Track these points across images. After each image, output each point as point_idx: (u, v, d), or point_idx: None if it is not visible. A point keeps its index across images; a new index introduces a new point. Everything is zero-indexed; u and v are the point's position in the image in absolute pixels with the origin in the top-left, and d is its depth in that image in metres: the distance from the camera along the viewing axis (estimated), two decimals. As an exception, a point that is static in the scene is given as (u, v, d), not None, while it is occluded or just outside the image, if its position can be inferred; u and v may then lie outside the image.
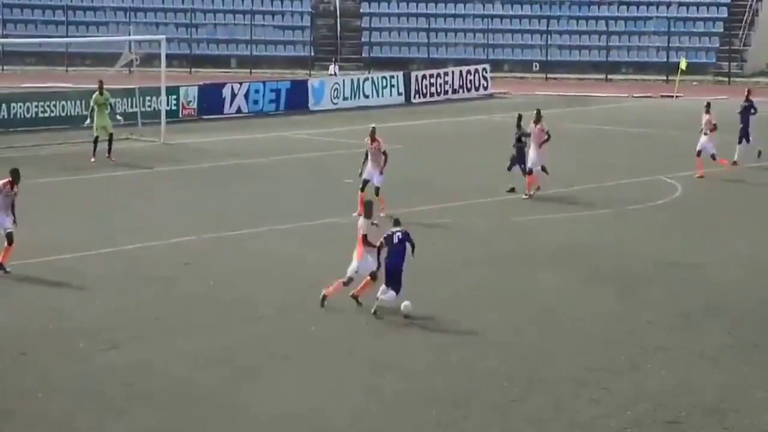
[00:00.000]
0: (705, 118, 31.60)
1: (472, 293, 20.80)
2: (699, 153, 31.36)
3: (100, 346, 17.68)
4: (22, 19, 61.85)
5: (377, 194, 26.20)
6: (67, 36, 59.20)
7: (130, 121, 38.31)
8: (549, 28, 60.34)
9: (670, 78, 53.08)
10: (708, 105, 32.06)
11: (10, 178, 21.91)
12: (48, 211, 27.00)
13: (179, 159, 35.19)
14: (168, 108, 40.88)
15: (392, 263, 19.17)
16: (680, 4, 60.57)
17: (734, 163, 32.89)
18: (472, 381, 16.49)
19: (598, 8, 61.40)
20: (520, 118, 29.33)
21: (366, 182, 26.79)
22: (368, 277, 19.54)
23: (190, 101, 44.41)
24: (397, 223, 19.74)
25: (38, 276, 21.30)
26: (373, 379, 16.62)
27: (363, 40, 62.34)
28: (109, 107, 34.38)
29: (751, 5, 59.67)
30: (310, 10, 63.33)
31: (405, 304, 19.03)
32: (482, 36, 61.15)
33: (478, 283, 21.53)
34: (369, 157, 26.80)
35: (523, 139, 28.91)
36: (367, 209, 20.10)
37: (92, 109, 34.31)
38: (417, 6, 62.80)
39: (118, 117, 35.40)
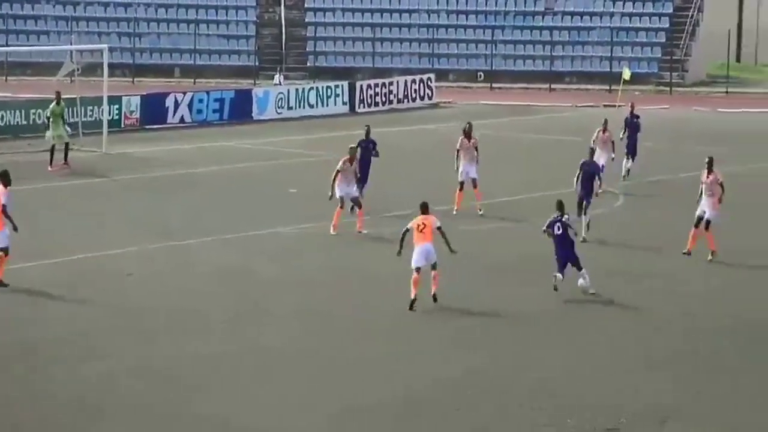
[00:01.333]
0: (603, 135, 30.62)
1: (427, 300, 20.88)
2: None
3: (42, 361, 17.56)
4: (-38, 28, 61.34)
5: (475, 186, 27.77)
6: (6, 45, 58.67)
7: (71, 132, 38.05)
8: (494, 38, 60.72)
9: (613, 88, 53.59)
10: (605, 122, 31.04)
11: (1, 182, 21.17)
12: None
13: (121, 169, 35.00)
14: (110, 118, 40.66)
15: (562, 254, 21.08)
16: (623, 15, 61.21)
17: (623, 178, 32.09)
18: (420, 390, 16.57)
19: (543, 18, 61.89)
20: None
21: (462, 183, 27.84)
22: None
23: (133, 111, 44.19)
24: (560, 206, 21.37)
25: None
26: (318, 391, 16.64)
27: (308, 49, 62.38)
28: (62, 118, 34.96)
29: (692, 16, 60.43)
30: (254, 19, 63.25)
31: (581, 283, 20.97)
32: (427, 46, 61.42)
33: (427, 289, 21.63)
34: (462, 155, 27.88)
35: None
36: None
37: (48, 119, 34.86)
38: (362, 16, 62.95)
39: (67, 128, 35.47)
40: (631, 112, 32.68)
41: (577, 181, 25.65)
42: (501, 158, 35.05)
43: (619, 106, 40.91)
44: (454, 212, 27.91)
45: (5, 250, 20.94)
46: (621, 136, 32.17)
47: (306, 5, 63.96)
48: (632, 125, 32.33)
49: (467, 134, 28.29)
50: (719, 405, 16.25)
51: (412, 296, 20.29)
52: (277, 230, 26.52)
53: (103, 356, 17.78)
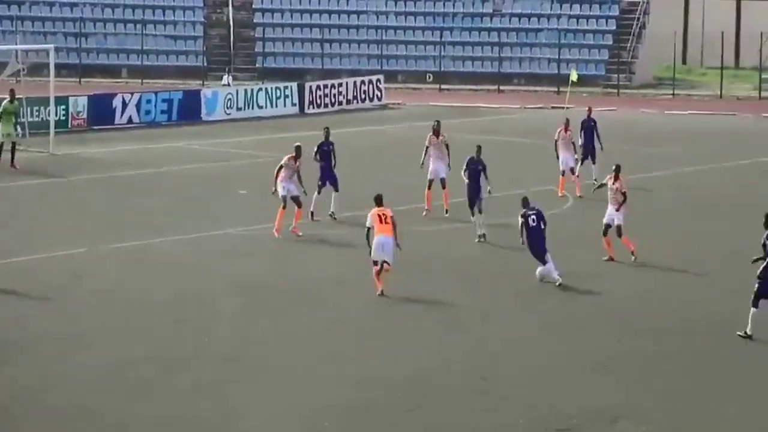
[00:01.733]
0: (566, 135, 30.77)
1: (377, 299, 20.87)
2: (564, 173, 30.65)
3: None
4: None
5: (444, 187, 27.79)
6: (-49, 45, 58.00)
7: (20, 132, 37.68)
8: (442, 39, 60.86)
9: (561, 89, 53.87)
10: (567, 121, 31.08)
11: None
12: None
13: (69, 170, 34.69)
14: (57, 118, 40.31)
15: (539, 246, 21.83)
16: (570, 17, 61.57)
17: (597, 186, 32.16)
18: (370, 392, 16.56)
19: (491, 20, 62.12)
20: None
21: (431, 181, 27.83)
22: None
23: (80, 111, 43.85)
24: (525, 202, 22.22)
25: None
26: (263, 389, 16.60)
27: (257, 50, 62.19)
28: (14, 117, 34.71)
29: (638, 19, 60.91)
30: (202, 20, 62.97)
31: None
32: (376, 47, 61.45)
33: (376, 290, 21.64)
34: (431, 152, 27.83)
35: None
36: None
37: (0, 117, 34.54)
38: (311, 17, 62.86)
39: (18, 128, 35.19)
40: (588, 116, 32.55)
41: (465, 176, 25.71)
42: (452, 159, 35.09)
43: (567, 107, 41.16)
44: (424, 213, 27.93)
45: None
46: (579, 141, 32.01)
47: (254, 6, 63.79)
48: (588, 129, 32.23)
49: (436, 131, 28.32)
50: (668, 404, 16.38)
51: (379, 290, 20.70)
52: (227, 231, 26.41)
53: (45, 360, 17.61)
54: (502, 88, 58.91)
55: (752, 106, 54.39)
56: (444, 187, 28.31)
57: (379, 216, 21.02)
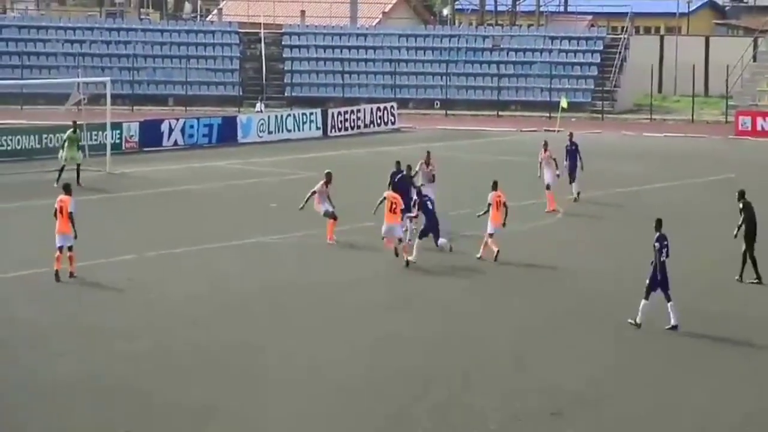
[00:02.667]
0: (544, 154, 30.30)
1: (384, 300, 20.97)
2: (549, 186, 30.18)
3: (50, 353, 17.54)
4: (-19, 63, 60.94)
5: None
6: (21, 78, 58.25)
7: (83, 156, 38.00)
8: (448, 71, 60.94)
9: (552, 115, 53.90)
10: (546, 143, 30.74)
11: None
12: (3, 232, 26.63)
13: (122, 187, 34.88)
14: (112, 141, 40.48)
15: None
16: (560, 51, 61.58)
17: (575, 199, 31.68)
18: (380, 380, 16.65)
19: (491, 54, 62.17)
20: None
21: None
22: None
23: (132, 135, 44.05)
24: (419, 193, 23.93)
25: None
26: (289, 378, 16.70)
27: (286, 81, 62.35)
28: (77, 143, 35.19)
29: (620, 52, 60.91)
30: (238, 54, 63.20)
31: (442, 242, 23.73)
32: (390, 77, 61.54)
33: (389, 291, 21.71)
34: (419, 177, 27.18)
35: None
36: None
37: (64, 143, 35.05)
38: (333, 52, 63.04)
39: (80, 153, 35.63)
40: (570, 140, 32.01)
41: (389, 187, 25.05)
42: (455, 176, 35.22)
43: (558, 131, 41.21)
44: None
45: (70, 247, 21.84)
46: (564, 163, 31.64)
47: (284, 43, 64.00)
48: (571, 152, 31.71)
49: (426, 161, 27.92)
50: (646, 386, 16.41)
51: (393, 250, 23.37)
52: (260, 239, 26.54)
53: (97, 349, 17.78)
54: (500, 113, 58.94)
55: (720, 129, 54.32)
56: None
57: (391, 203, 22.23)
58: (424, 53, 62.64)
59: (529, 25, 66.59)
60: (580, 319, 20.02)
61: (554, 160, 30.66)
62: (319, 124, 50.92)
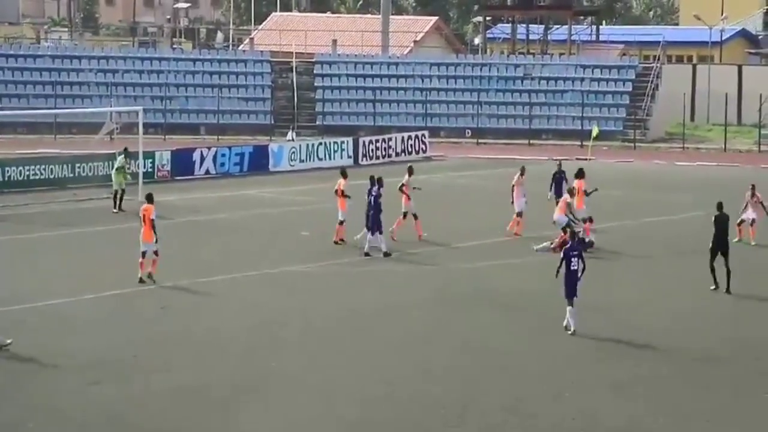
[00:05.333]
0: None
1: (418, 330, 20.97)
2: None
3: (87, 381, 17.64)
4: (15, 93, 61.51)
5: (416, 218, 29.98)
6: (55, 108, 58.91)
7: (110, 182, 38.24)
8: (479, 100, 61.05)
9: (584, 143, 53.82)
10: (522, 168, 30.92)
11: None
12: (34, 261, 26.86)
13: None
14: (145, 170, 40.79)
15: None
16: (592, 80, 61.56)
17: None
18: (417, 409, 16.64)
19: (522, 83, 62.25)
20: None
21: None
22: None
23: (164, 164, 44.36)
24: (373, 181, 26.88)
25: (32, 318, 21.21)
26: (328, 409, 16.72)
27: (317, 109, 62.67)
28: (124, 169, 36.14)
29: (652, 80, 60.81)
30: (270, 83, 63.60)
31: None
32: (421, 106, 61.72)
33: (422, 322, 21.72)
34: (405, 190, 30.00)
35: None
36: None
37: (115, 169, 36.11)
38: (364, 80, 63.32)
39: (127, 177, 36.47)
40: (559, 169, 32.02)
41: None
42: (480, 203, 35.20)
43: (590, 159, 41.13)
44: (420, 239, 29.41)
45: (156, 252, 24.07)
46: (548, 194, 31.56)
47: (315, 72, 64.37)
48: (558, 181, 31.62)
49: (410, 174, 30.91)
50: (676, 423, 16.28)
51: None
52: (292, 269, 26.63)
53: (133, 380, 17.86)
54: (532, 142, 58.90)
55: (752, 158, 54.00)
56: (416, 219, 29.97)
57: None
58: (456, 82, 62.81)
59: (561, 54, 66.59)
60: (618, 352, 19.92)
61: (521, 187, 30.69)
62: (351, 153, 51.08)
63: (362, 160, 51.30)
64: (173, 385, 17.60)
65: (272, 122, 60.99)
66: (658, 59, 62.33)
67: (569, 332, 20.47)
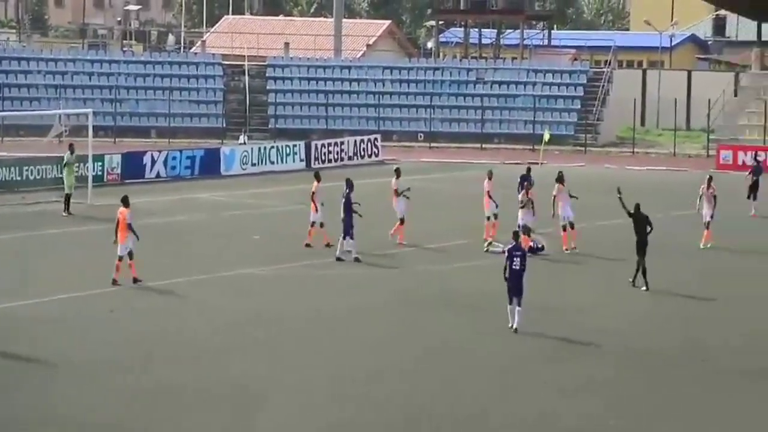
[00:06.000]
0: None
1: (379, 333, 20.98)
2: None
3: (39, 387, 17.46)
4: (-39, 95, 60.88)
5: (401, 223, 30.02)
6: (2, 110, 58.26)
7: (60, 185, 37.86)
8: (432, 104, 61.26)
9: (536, 147, 54.22)
10: (490, 172, 30.98)
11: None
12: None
13: (104, 218, 34.77)
14: (94, 173, 40.46)
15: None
16: (544, 84, 62.01)
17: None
18: (373, 411, 16.64)
19: (474, 87, 62.54)
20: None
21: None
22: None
23: (114, 167, 44.04)
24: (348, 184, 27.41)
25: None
26: (305, 410, 16.68)
27: (269, 113, 62.50)
28: (74, 169, 35.90)
29: (603, 85, 61.39)
30: (222, 86, 63.34)
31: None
32: (374, 110, 61.80)
33: (389, 323, 21.74)
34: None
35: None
36: None
37: (64, 168, 35.71)
38: (317, 84, 63.28)
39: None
40: (528, 173, 31.95)
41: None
42: (433, 207, 35.36)
43: (542, 163, 41.35)
44: (402, 243, 29.33)
45: (130, 254, 24.35)
46: (520, 196, 31.43)
47: (267, 75, 64.22)
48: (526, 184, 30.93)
49: (398, 176, 30.72)
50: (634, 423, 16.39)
51: None
52: (243, 272, 26.54)
53: (84, 383, 17.71)
54: (484, 146, 59.21)
55: (701, 162, 54.70)
56: (402, 223, 30.00)
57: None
58: (408, 86, 62.94)
59: (513, 59, 67.00)
60: (570, 355, 20.08)
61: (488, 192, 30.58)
62: (303, 156, 51.05)
63: (314, 163, 51.23)
64: (143, 386, 17.50)
65: (224, 125, 60.74)
66: (609, 64, 62.94)
67: (512, 329, 20.81)
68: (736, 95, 60.49)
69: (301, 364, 18.99)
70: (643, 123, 65.49)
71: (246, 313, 22.39)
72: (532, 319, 21.52)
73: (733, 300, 24.59)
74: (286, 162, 50.22)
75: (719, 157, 52.75)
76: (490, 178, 30.97)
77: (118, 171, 44.04)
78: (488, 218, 30.64)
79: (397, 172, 30.94)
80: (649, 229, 24.92)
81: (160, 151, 46.96)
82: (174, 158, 46.39)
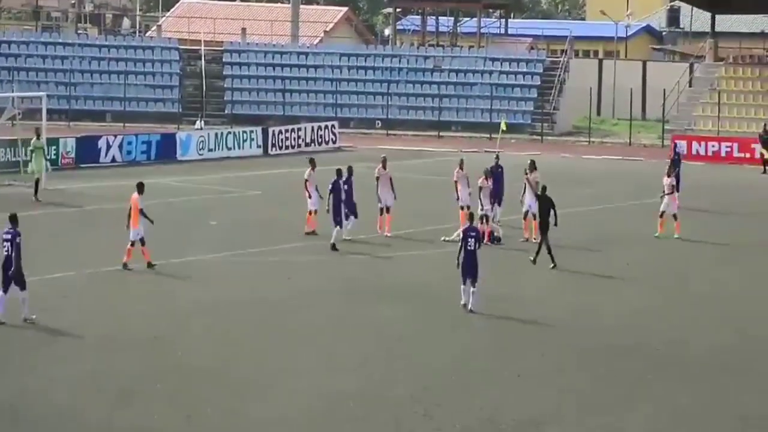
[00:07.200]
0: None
1: (326, 322, 20.92)
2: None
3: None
4: None
5: (387, 212, 29.27)
6: (-46, 91, 57.41)
7: (14, 169, 37.41)
8: (390, 91, 61.18)
9: (493, 135, 54.33)
10: (462, 161, 30.11)
11: None
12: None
13: (59, 203, 34.41)
14: (49, 157, 39.97)
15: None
16: (501, 73, 62.15)
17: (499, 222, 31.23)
18: (324, 402, 16.57)
19: (432, 75, 62.55)
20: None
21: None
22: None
23: (69, 151, 43.57)
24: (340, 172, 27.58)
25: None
26: (238, 405, 16.56)
27: (226, 98, 62.09)
28: (43, 153, 35.75)
29: (559, 75, 61.65)
30: (178, 71, 62.82)
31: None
32: (331, 96, 61.62)
33: (331, 313, 21.66)
34: (380, 182, 29.45)
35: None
36: None
37: (32, 153, 35.42)
38: (274, 70, 62.97)
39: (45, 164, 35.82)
40: (496, 164, 30.57)
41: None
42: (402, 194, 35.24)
43: (498, 151, 41.41)
44: (386, 234, 29.10)
45: (143, 240, 24.63)
46: (486, 184, 30.69)
47: (224, 60, 63.78)
48: (496, 175, 30.15)
49: (383, 165, 29.95)
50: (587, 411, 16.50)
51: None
52: (200, 258, 26.34)
53: (28, 371, 17.49)
54: (441, 134, 59.26)
55: (656, 152, 55.12)
56: (387, 212, 29.31)
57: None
58: (366, 73, 62.83)
59: (470, 47, 67.06)
60: (525, 344, 20.13)
61: (467, 178, 29.78)
62: (260, 143, 50.80)
63: (271, 149, 51.05)
64: (75, 372, 17.25)
65: (180, 110, 60.28)
66: (566, 53, 63.21)
67: (466, 309, 21.22)
68: (690, 86, 60.97)
69: (235, 354, 18.85)
70: (599, 113, 65.91)
71: (194, 301, 22.21)
72: (487, 308, 21.56)
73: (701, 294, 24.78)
74: (243, 148, 49.98)
75: (674, 147, 53.20)
76: (461, 167, 30.05)
77: (73, 155, 43.59)
78: (462, 208, 29.80)
79: (383, 162, 29.86)
80: (552, 212, 26.09)
81: (115, 136, 46.53)
82: (130, 143, 45.98)
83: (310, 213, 29.27)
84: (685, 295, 24.16)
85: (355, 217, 28.44)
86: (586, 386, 17.62)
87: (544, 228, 26.11)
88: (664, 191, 30.85)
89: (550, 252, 25.78)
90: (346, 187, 28.25)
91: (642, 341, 20.04)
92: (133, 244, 24.63)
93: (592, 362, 18.82)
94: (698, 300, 23.63)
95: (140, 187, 25.24)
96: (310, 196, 29.30)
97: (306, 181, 29.45)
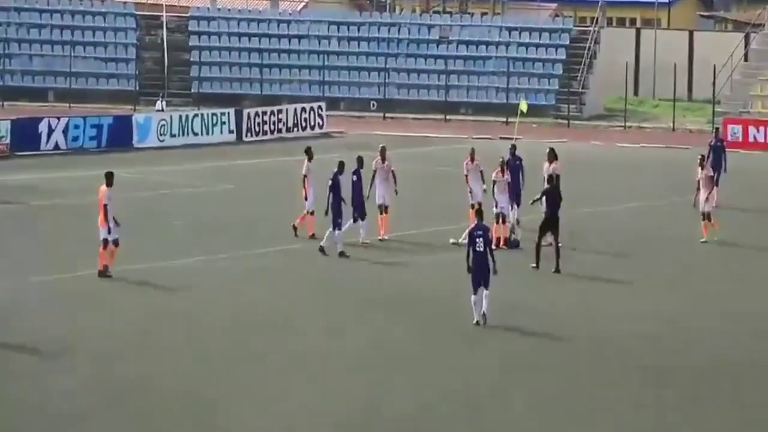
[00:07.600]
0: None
1: (313, 341, 21.00)
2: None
3: None
4: None
5: (385, 212, 29.04)
6: None
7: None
8: (387, 66, 61.23)
9: (510, 120, 54.38)
10: (473, 150, 30.16)
11: None
12: None
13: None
14: (-23, 144, 40.10)
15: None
16: (519, 45, 62.23)
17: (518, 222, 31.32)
18: (312, 428, 16.63)
19: (437, 47, 62.63)
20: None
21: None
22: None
23: (2, 136, 43.66)
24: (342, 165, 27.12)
25: None
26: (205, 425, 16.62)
27: (192, 74, 62.14)
28: None
29: (589, 48, 61.70)
30: (135, 42, 62.89)
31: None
32: (317, 73, 61.69)
33: (306, 318, 21.72)
34: (377, 176, 28.97)
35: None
36: None
37: None
38: (249, 40, 63.00)
39: None
40: (513, 154, 30.29)
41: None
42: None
43: (517, 138, 41.33)
44: (380, 237, 28.82)
45: (116, 242, 24.44)
46: (501, 177, 30.32)
47: (190, 29, 63.83)
48: (514, 168, 29.84)
49: (382, 156, 29.33)
50: None
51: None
52: (159, 264, 26.32)
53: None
54: (448, 117, 59.34)
55: (705, 139, 55.02)
56: (385, 213, 29.12)
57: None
58: (359, 45, 62.90)
59: (483, 14, 67.22)
60: (536, 361, 20.19)
61: (481, 171, 29.93)
62: (233, 127, 50.87)
63: (247, 135, 51.11)
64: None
65: (137, 89, 60.35)
66: (597, 22, 63.28)
67: (479, 323, 21.28)
68: (746, 60, 61.03)
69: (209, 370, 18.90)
70: (636, 92, 65.99)
71: (153, 310, 22.27)
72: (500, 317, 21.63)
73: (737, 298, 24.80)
74: (212, 133, 50.04)
75: (727, 133, 53.19)
76: (471, 159, 30.06)
77: (7, 141, 43.70)
78: (472, 205, 29.60)
79: (382, 152, 29.43)
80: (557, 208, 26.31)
81: (59, 118, 46.58)
82: (76, 127, 46.06)
83: (307, 214, 28.65)
84: (728, 312, 24.14)
85: (362, 219, 27.91)
86: (613, 412, 17.65)
87: (554, 223, 26.16)
88: (698, 187, 30.40)
89: (557, 254, 25.88)
90: (354, 178, 27.66)
91: (677, 363, 20.04)
92: (104, 245, 24.37)
93: (617, 384, 18.87)
94: (740, 317, 23.63)
95: (109, 178, 25.02)
96: (306, 198, 28.52)
97: (305, 176, 28.70)
